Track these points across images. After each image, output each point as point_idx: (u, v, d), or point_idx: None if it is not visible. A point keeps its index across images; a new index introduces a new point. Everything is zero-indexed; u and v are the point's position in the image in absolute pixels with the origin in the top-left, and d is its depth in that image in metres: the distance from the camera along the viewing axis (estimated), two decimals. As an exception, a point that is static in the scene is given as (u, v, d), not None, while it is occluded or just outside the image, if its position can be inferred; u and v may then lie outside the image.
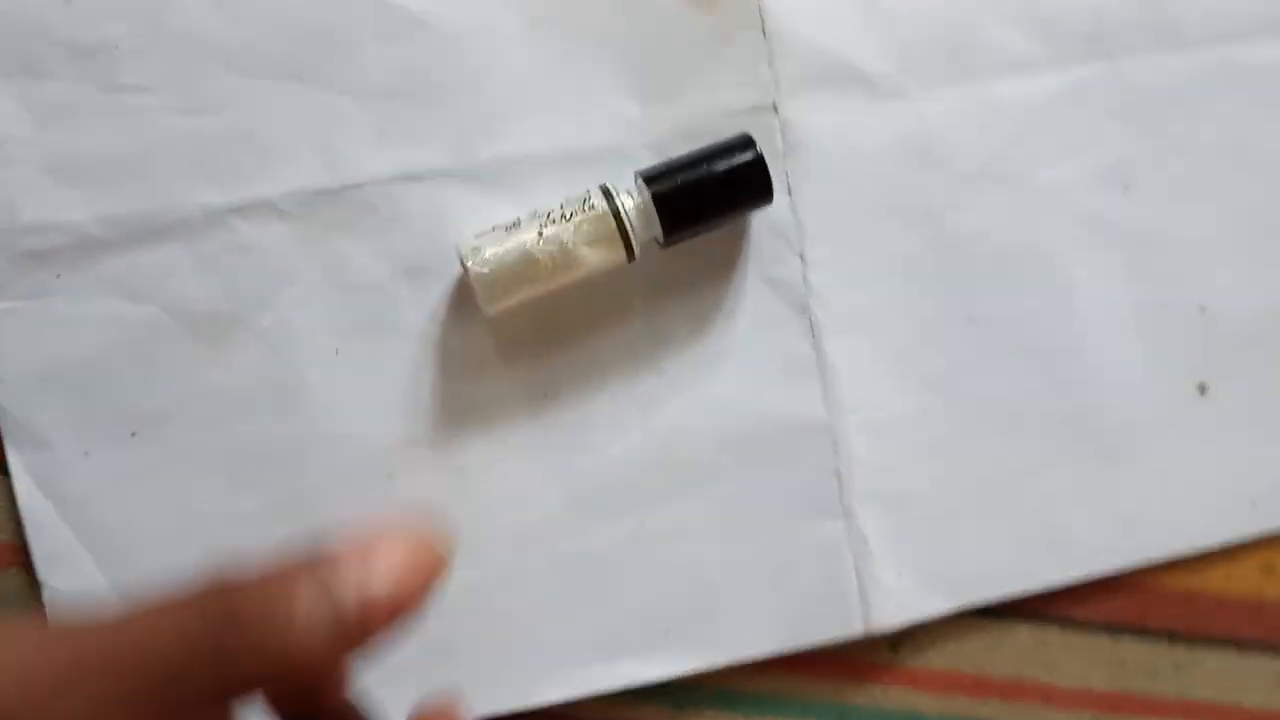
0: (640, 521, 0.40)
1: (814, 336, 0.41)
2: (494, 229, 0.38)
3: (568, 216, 0.37)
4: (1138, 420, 0.41)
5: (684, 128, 0.40)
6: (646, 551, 0.40)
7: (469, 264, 0.37)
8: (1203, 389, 0.41)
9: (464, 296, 0.40)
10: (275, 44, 0.39)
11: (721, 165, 0.38)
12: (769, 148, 0.39)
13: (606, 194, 0.37)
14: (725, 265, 0.40)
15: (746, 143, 0.38)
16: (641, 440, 0.40)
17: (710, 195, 0.38)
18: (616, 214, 0.37)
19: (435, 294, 0.40)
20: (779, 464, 0.41)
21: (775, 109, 0.41)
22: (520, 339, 0.40)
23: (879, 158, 0.41)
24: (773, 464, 0.41)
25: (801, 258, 0.41)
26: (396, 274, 0.40)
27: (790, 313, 0.41)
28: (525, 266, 0.37)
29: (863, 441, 0.41)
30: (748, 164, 0.38)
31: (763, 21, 0.40)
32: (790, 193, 0.41)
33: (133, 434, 0.39)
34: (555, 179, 0.40)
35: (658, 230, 0.38)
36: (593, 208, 0.37)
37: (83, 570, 0.38)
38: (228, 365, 0.40)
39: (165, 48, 0.38)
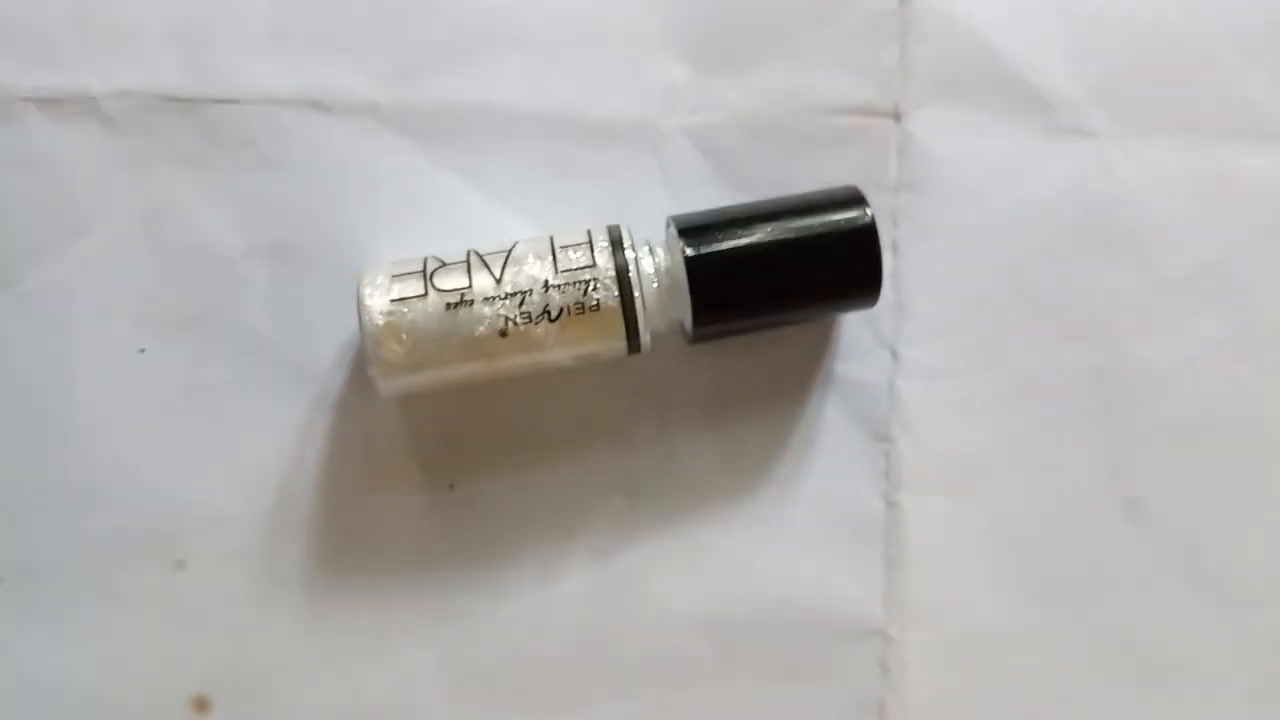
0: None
1: (888, 484, 0.34)
2: (423, 261, 0.31)
3: (546, 278, 0.30)
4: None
5: (747, 117, 0.34)
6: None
7: (365, 301, 0.30)
8: None
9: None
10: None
11: (805, 232, 0.30)
12: (876, 175, 0.34)
13: (615, 244, 0.30)
14: (770, 359, 0.34)
15: (851, 200, 0.30)
16: (594, 611, 0.34)
17: (780, 279, 0.30)
18: (624, 283, 0.30)
19: (312, 297, 0.33)
20: (793, 678, 0.34)
21: (896, 116, 0.34)
22: (441, 435, 0.34)
23: (1040, 217, 0.34)
24: (782, 677, 0.34)
25: (892, 355, 0.34)
26: (258, 251, 0.34)
27: (861, 441, 0.34)
28: (457, 334, 0.30)
29: (923, 670, 0.34)
30: (849, 236, 0.30)
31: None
32: (894, 252, 0.34)
33: None
34: (529, 157, 0.34)
35: (685, 315, 0.30)
36: (588, 265, 0.30)
37: None
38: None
39: None
